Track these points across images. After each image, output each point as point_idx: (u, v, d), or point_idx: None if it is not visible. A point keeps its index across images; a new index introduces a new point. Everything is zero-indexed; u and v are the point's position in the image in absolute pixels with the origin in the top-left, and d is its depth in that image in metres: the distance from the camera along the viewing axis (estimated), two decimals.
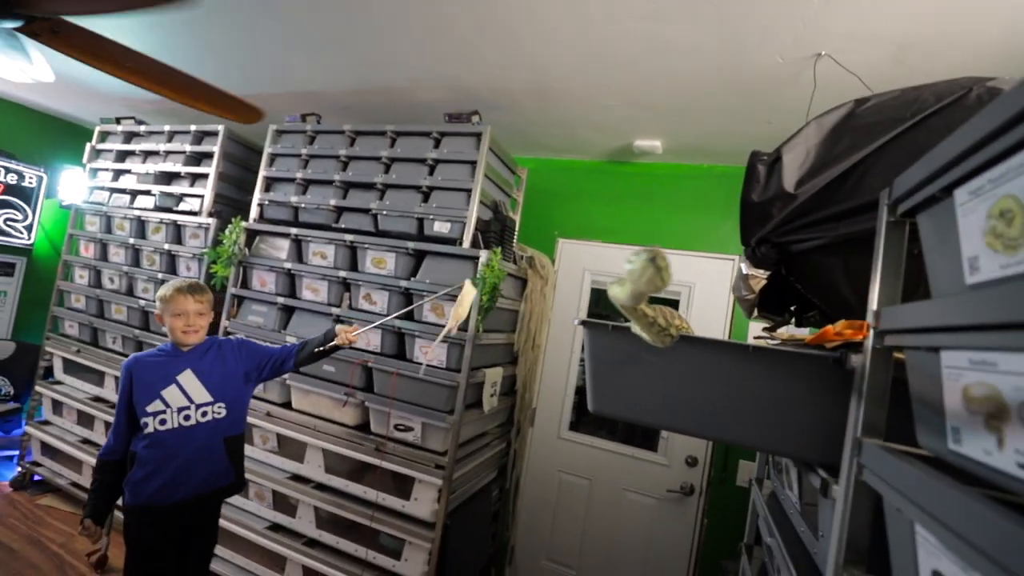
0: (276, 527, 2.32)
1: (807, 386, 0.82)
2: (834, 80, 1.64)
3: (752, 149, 1.12)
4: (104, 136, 3.18)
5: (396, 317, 2.01)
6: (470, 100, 2.31)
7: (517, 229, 2.64)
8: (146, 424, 1.58)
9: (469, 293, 1.85)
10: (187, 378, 1.65)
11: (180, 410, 1.61)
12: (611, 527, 2.64)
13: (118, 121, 3.12)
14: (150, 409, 1.58)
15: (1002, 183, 0.48)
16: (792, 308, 1.44)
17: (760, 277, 1.07)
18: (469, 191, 2.13)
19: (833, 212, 0.92)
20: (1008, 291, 0.42)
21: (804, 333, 1.22)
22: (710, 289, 2.53)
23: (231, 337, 1.82)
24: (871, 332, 0.71)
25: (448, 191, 2.18)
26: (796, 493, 1.08)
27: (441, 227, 2.16)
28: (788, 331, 1.11)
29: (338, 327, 1.76)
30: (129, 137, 3.08)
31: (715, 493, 2.48)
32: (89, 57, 1.56)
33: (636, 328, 0.86)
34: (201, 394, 1.65)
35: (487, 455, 2.47)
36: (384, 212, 2.26)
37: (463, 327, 2.01)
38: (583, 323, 0.99)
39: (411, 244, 2.16)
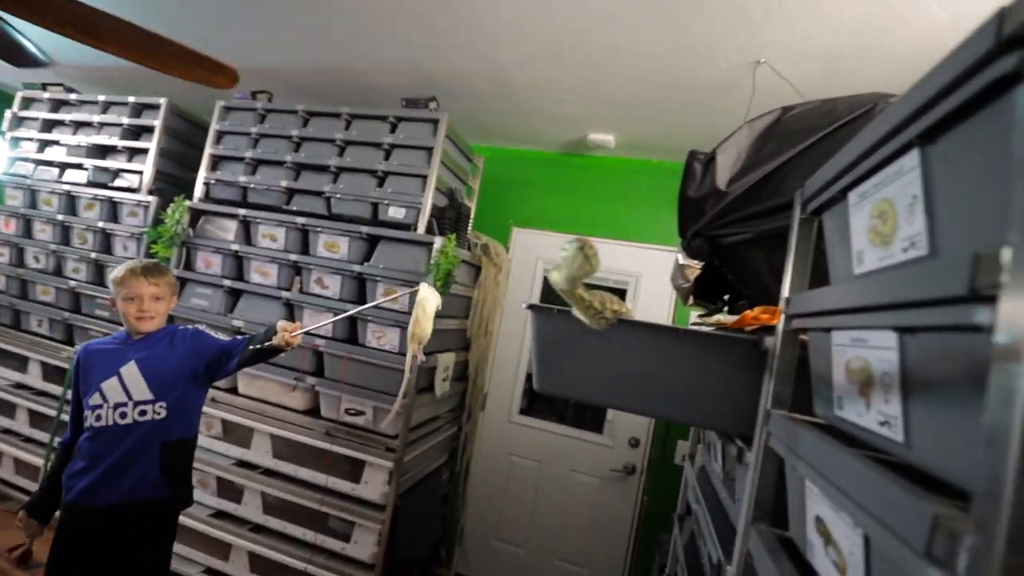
0: (221, 514, 2.27)
1: (729, 365, 0.91)
2: (771, 87, 1.76)
3: (699, 147, 1.21)
4: (28, 103, 2.94)
5: (345, 317, 1.76)
6: (428, 86, 2.31)
7: (472, 217, 2.67)
8: (86, 417, 1.47)
9: (429, 300, 1.46)
10: (129, 370, 1.48)
11: (117, 406, 1.45)
12: (558, 507, 2.75)
13: (44, 87, 2.89)
14: (91, 402, 1.46)
15: (881, 188, 0.56)
16: (725, 297, 1.55)
17: (695, 267, 1.16)
18: (425, 177, 2.14)
19: (758, 209, 1.02)
20: (877, 279, 0.51)
21: (733, 319, 1.33)
22: (655, 279, 2.66)
23: (189, 327, 1.62)
24: (782, 317, 0.80)
25: (403, 176, 2.18)
26: (720, 464, 1.19)
27: (396, 212, 2.16)
28: (720, 318, 1.20)
29: (280, 323, 1.49)
30: (57, 106, 2.87)
31: (654, 472, 2.63)
32: (36, 16, 1.39)
33: (576, 311, 0.92)
34: (141, 390, 1.47)
35: (438, 439, 2.51)
36: (338, 195, 2.23)
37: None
38: (530, 307, 1.05)
39: (365, 229, 2.15)
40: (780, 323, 0.80)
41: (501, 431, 2.87)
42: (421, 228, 2.12)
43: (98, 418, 1.45)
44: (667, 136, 2.43)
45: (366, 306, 1.58)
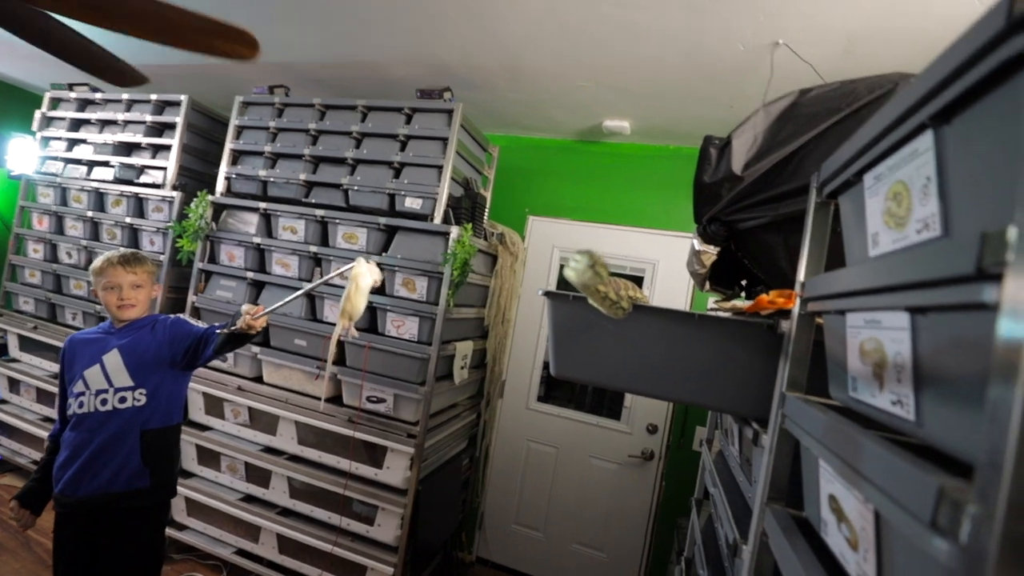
0: (249, 498, 2.36)
1: (745, 349, 0.92)
2: (790, 69, 1.73)
3: (715, 133, 1.20)
4: (55, 103, 3.04)
5: (302, 294, 1.64)
6: (443, 77, 2.31)
7: (488, 206, 2.68)
8: (69, 405, 1.49)
9: (363, 276, 1.42)
10: (112, 358, 1.50)
11: (98, 393, 1.47)
12: (576, 492, 2.79)
13: (71, 87, 2.98)
14: (75, 390, 1.48)
15: (896, 170, 0.56)
16: (743, 283, 1.55)
17: (711, 253, 1.16)
18: (440, 167, 2.16)
19: (775, 193, 1.01)
20: (890, 260, 0.51)
21: (749, 304, 1.33)
22: (673, 266, 2.65)
23: (171, 316, 1.63)
24: (798, 300, 0.81)
25: (419, 167, 2.20)
26: (737, 448, 1.20)
27: (412, 203, 2.19)
28: (736, 303, 1.21)
29: (243, 307, 1.48)
30: (83, 105, 2.95)
31: (673, 457, 2.65)
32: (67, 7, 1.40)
33: (591, 302, 0.94)
34: (122, 377, 1.48)
35: (458, 426, 2.56)
36: (355, 187, 2.27)
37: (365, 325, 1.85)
38: (546, 294, 1.06)
39: (383, 219, 2.18)
40: (796, 306, 0.81)
41: (519, 418, 2.91)
42: (438, 218, 2.14)
43: (80, 405, 1.47)
44: (683, 121, 2.40)
45: (317, 283, 1.58)
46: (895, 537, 0.46)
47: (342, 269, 1.43)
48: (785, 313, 0.87)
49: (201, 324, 1.62)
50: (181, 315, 1.66)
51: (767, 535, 0.79)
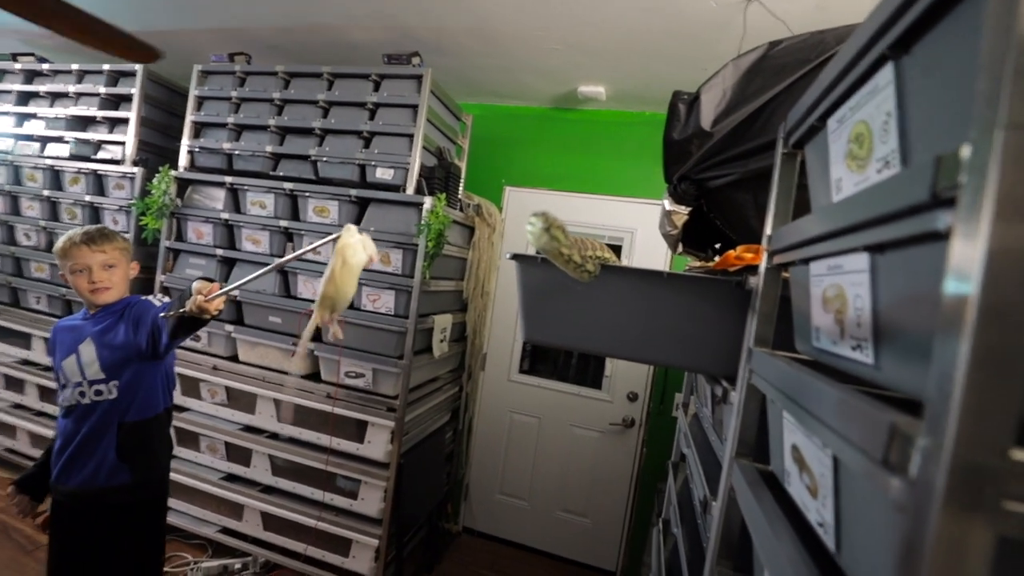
0: (232, 477, 2.34)
1: (713, 307, 0.91)
2: (763, 27, 1.69)
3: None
4: (0, 75, 2.86)
5: (269, 271, 1.23)
6: (410, 41, 2.23)
7: (463, 177, 2.63)
8: (57, 395, 1.44)
9: (353, 248, 1.03)
10: (86, 348, 1.40)
11: (76, 385, 1.39)
12: (559, 460, 2.83)
13: (14, 58, 2.80)
14: (60, 380, 1.43)
15: (857, 110, 0.54)
16: (717, 245, 1.54)
17: (682, 213, 1.14)
18: (411, 136, 2.10)
19: (744, 149, 0.99)
20: (851, 201, 0.50)
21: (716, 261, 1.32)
22: (651, 233, 2.64)
23: (141, 298, 1.47)
24: (764, 255, 0.79)
25: (390, 136, 2.13)
26: (710, 409, 1.21)
27: (384, 173, 2.12)
28: (708, 264, 1.20)
29: (195, 284, 1.19)
30: (31, 76, 2.79)
31: (653, 424, 2.69)
32: None
33: (557, 264, 0.91)
34: (93, 369, 1.39)
35: (439, 399, 2.55)
36: (324, 159, 2.19)
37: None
38: (514, 256, 1.04)
39: (354, 191, 2.12)
40: (763, 261, 0.80)
41: (502, 390, 2.92)
42: (410, 189, 2.09)
43: (64, 398, 1.41)
44: (658, 86, 2.36)
45: (288, 258, 1.23)
46: (851, 480, 0.45)
47: (325, 240, 1.10)
48: (753, 269, 0.86)
49: (167, 302, 1.43)
50: (150, 297, 1.49)
51: (735, 490, 0.79)
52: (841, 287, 0.54)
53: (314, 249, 1.15)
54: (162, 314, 1.27)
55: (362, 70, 2.17)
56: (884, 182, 0.43)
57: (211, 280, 1.23)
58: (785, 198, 0.79)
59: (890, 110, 0.47)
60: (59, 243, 1.40)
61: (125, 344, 1.39)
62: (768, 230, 0.80)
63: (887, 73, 0.47)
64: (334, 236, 1.08)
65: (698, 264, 1.16)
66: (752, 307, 0.83)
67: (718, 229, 1.33)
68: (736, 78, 1.03)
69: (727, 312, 0.89)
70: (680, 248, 1.33)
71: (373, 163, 2.13)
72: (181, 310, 1.18)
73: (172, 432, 1.59)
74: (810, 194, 0.72)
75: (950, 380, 0.29)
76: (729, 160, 1.01)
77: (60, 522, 1.44)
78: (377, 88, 2.17)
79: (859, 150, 0.54)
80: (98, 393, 1.39)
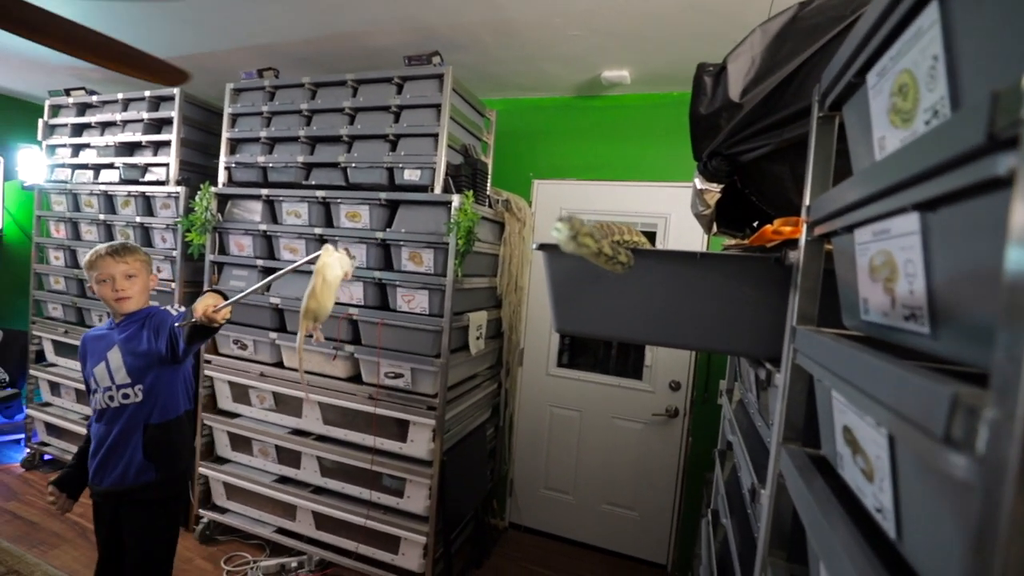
0: (283, 479, 2.43)
1: (752, 286, 0.87)
2: None
3: None
4: (56, 110, 3.06)
5: (263, 286, 1.33)
6: (429, 41, 2.23)
7: (490, 173, 2.62)
8: (91, 400, 1.55)
9: (332, 267, 1.17)
10: (114, 355, 1.51)
11: (105, 390, 1.51)
12: (602, 453, 2.79)
13: (67, 93, 2.99)
14: (90, 386, 1.54)
15: (899, 59, 0.50)
16: (754, 224, 1.47)
17: (714, 191, 1.09)
18: (436, 136, 2.10)
19: (778, 118, 0.94)
20: (897, 157, 0.45)
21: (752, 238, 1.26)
22: (685, 217, 2.55)
23: (161, 307, 1.58)
24: (804, 227, 0.75)
25: (415, 137, 2.15)
26: (754, 394, 1.15)
27: (411, 175, 2.14)
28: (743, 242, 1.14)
29: (200, 301, 1.31)
30: (83, 109, 2.97)
31: (698, 413, 2.61)
32: (10, 25, 1.46)
33: (588, 258, 0.88)
34: (121, 374, 1.50)
35: (479, 396, 2.56)
36: (353, 165, 2.23)
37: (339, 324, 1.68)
38: (541, 247, 1.02)
39: (383, 195, 2.15)
40: (803, 234, 0.75)
41: (540, 384, 2.90)
42: (438, 188, 2.10)
43: (96, 403, 1.53)
44: (685, 64, 2.27)
45: (280, 273, 1.32)
46: (911, 461, 0.42)
47: (308, 257, 1.25)
48: (792, 243, 0.81)
49: (182, 312, 1.53)
50: (169, 307, 1.61)
51: (783, 476, 0.75)
52: (889, 253, 0.49)
53: (300, 266, 1.30)
54: (177, 324, 1.41)
55: (384, 74, 2.20)
56: (933, 130, 0.39)
57: (219, 292, 1.39)
58: (824, 165, 0.73)
59: (937, 53, 0.42)
60: (87, 256, 1.52)
61: (148, 351, 1.50)
62: (807, 200, 0.75)
63: (932, 12, 0.42)
64: (316, 254, 1.21)
65: (731, 243, 1.11)
66: (793, 283, 0.78)
67: (754, 205, 1.27)
68: (765, 44, 0.97)
69: (767, 290, 0.85)
70: (715, 228, 1.27)
71: (400, 165, 2.15)
72: (192, 320, 1.29)
73: (225, 435, 1.68)
74: (851, 158, 0.67)
75: (1020, 342, 0.26)
76: (762, 131, 0.96)
77: (100, 519, 1.59)
78: (400, 90, 2.19)
79: (903, 103, 0.49)
80: (125, 396, 1.50)
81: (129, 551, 1.55)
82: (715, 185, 1.08)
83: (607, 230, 0.88)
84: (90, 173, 2.92)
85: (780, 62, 0.94)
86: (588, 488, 2.83)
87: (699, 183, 1.10)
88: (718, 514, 1.47)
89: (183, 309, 1.54)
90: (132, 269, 1.52)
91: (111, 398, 1.51)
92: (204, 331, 1.37)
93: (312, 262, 1.22)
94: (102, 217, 2.81)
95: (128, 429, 1.51)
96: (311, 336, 1.22)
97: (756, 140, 0.97)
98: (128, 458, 1.51)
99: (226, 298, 1.35)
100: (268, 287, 1.49)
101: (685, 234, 2.57)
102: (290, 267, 1.30)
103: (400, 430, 2.20)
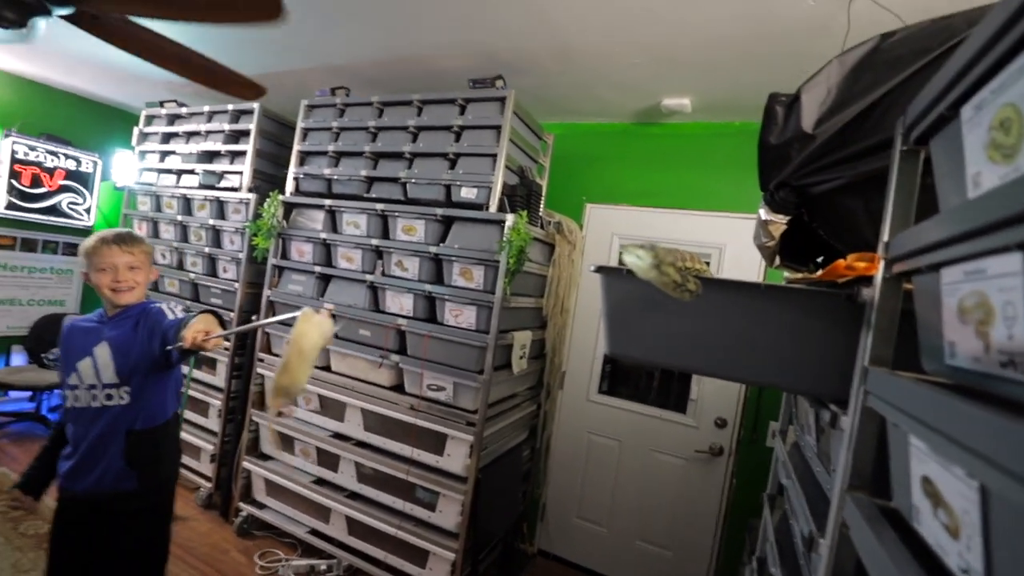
0: (321, 481, 2.48)
1: (819, 322, 0.83)
2: (870, 21, 1.56)
3: None
4: (150, 120, 3.35)
5: (248, 328, 1.52)
6: (493, 65, 2.31)
7: (544, 195, 2.65)
8: (66, 398, 1.41)
9: (308, 336, 1.10)
10: (102, 351, 1.38)
11: (89, 387, 1.38)
12: (640, 487, 2.69)
13: (161, 104, 3.27)
14: (70, 381, 1.40)
15: (1002, 92, 0.47)
16: (819, 259, 1.42)
17: (780, 223, 1.06)
18: (495, 156, 2.15)
19: (853, 151, 0.91)
20: (998, 193, 0.43)
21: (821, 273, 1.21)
22: (741, 249, 2.49)
23: (156, 305, 1.44)
24: (881, 263, 0.71)
25: (474, 157, 2.21)
26: (814, 437, 1.09)
27: (468, 193, 2.20)
28: (810, 276, 1.10)
29: (195, 322, 1.26)
30: (172, 119, 3.23)
31: (744, 454, 2.49)
32: (122, 42, 1.64)
33: (655, 283, 0.87)
34: (108, 373, 1.37)
35: (517, 416, 2.55)
36: (413, 180, 2.31)
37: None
38: (599, 269, 1.02)
39: (439, 211, 2.21)
40: (879, 271, 0.71)
41: (580, 409, 2.86)
42: (493, 207, 2.14)
43: (76, 399, 1.39)
44: (749, 94, 2.24)
45: (270, 320, 1.40)
46: (1007, 515, 0.38)
47: (283, 316, 1.16)
48: (866, 280, 0.77)
49: (179, 315, 1.43)
50: (164, 305, 1.46)
51: (847, 526, 0.71)
52: (984, 295, 0.47)
53: (273, 323, 1.36)
54: (169, 347, 1.32)
55: (449, 95, 2.28)
56: None
57: (215, 314, 1.35)
58: (905, 200, 0.70)
59: None
60: (88, 242, 1.41)
61: (140, 353, 1.39)
62: (885, 236, 0.72)
63: None
64: (293, 315, 1.12)
65: (798, 277, 1.07)
66: (867, 322, 0.74)
67: (819, 239, 1.22)
68: (842, 75, 0.95)
69: (835, 328, 0.81)
70: (777, 261, 1.23)
71: (458, 183, 2.21)
72: (179, 344, 1.23)
73: (272, 434, 1.68)
74: (937, 193, 0.64)
75: None
76: (835, 164, 0.93)
77: (63, 525, 1.44)
78: (463, 112, 2.27)
79: (1005, 138, 0.47)
80: (109, 397, 1.38)
81: (104, 561, 1.40)
82: (781, 216, 1.05)
83: (678, 257, 0.87)
84: (173, 177, 3.17)
85: (857, 94, 0.92)
86: (623, 522, 2.74)
87: (764, 214, 1.08)
88: (765, 562, 1.39)
89: (180, 314, 1.43)
90: (136, 260, 1.42)
91: (94, 396, 1.38)
92: (184, 352, 1.29)
93: (289, 324, 1.09)
94: (179, 218, 3.02)
95: (109, 433, 1.38)
96: (281, 413, 1.18)
97: (829, 172, 0.94)
98: (106, 464, 1.38)
99: (220, 319, 1.33)
100: (247, 333, 1.55)
101: (741, 266, 2.50)
102: (264, 322, 1.36)
103: (437, 443, 2.21)
